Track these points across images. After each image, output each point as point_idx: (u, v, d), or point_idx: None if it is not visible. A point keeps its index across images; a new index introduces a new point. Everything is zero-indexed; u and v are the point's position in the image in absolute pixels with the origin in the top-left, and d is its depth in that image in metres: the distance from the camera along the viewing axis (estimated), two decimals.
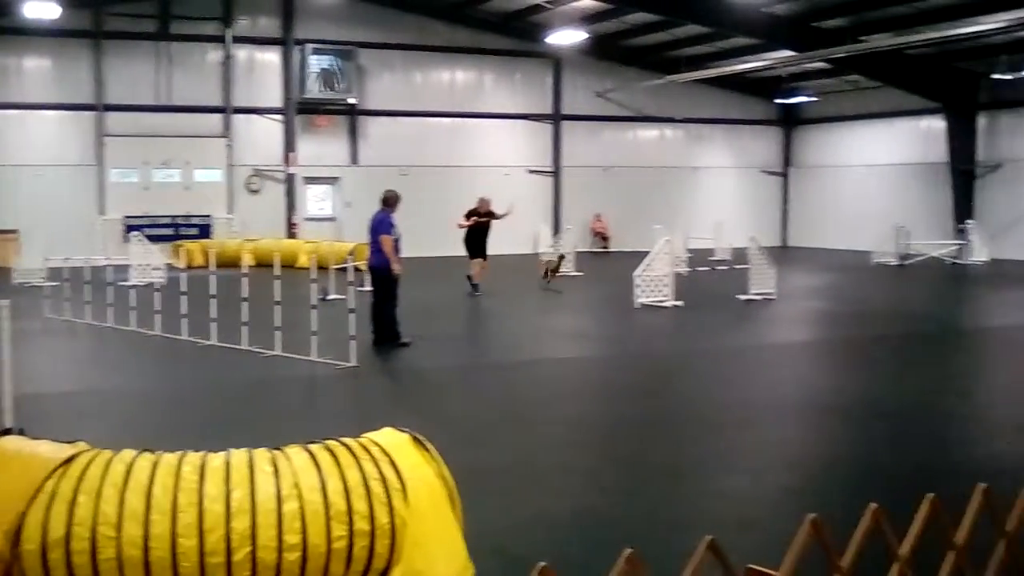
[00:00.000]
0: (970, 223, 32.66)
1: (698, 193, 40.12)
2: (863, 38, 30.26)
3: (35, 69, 31.34)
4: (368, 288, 15.57)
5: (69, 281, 17.88)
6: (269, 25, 33.55)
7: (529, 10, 33.64)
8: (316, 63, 33.30)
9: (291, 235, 33.03)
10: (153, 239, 26.28)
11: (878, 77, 34.26)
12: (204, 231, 32.16)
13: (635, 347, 16.04)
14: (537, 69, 37.31)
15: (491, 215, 22.50)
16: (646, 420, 10.37)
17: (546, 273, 24.47)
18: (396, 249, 14.57)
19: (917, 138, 37.17)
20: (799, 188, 42.24)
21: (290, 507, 4.63)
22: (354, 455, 4.90)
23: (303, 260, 25.56)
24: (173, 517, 4.55)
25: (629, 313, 19.14)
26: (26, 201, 30.15)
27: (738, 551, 4.71)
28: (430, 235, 31.20)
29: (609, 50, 36.69)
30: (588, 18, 32.74)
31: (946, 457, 8.86)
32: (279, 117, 33.66)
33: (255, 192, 33.58)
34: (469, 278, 22.43)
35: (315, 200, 35.13)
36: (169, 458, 4.84)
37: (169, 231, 31.47)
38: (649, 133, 40.16)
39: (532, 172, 37.38)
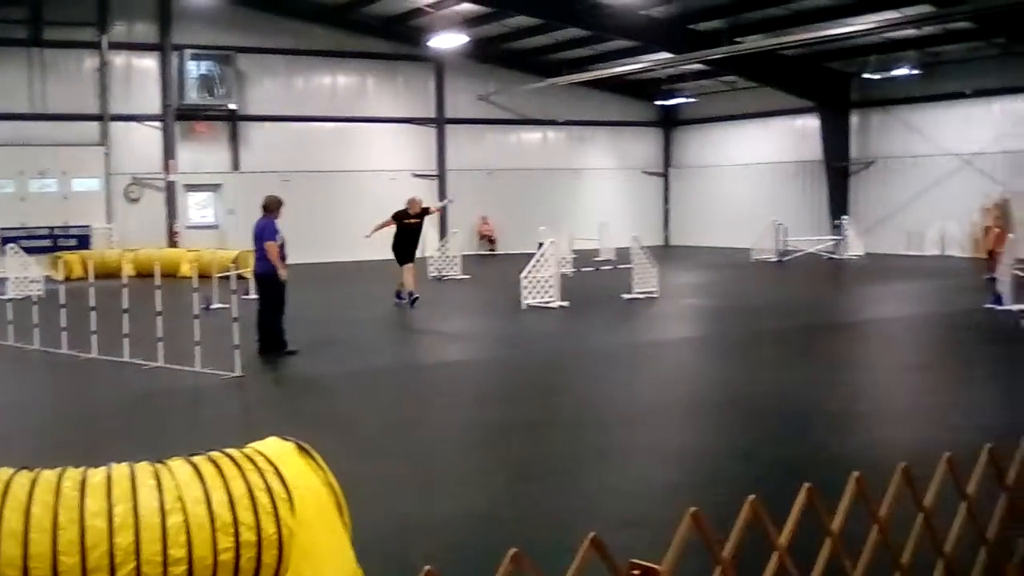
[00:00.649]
0: (845, 219, 33.57)
1: (582, 195, 40.47)
2: (739, 40, 30.87)
3: None
4: (254, 296, 15.39)
5: None
6: (146, 31, 32.88)
7: (410, 14, 33.57)
8: (195, 69, 32.75)
9: (173, 244, 32.45)
10: (30, 251, 25.53)
11: (754, 78, 35.03)
12: (83, 242, 31.38)
13: (522, 348, 16.13)
14: (419, 73, 37.26)
15: (425, 212, 21.76)
16: (534, 421, 10.45)
17: None
18: (282, 255, 14.42)
19: (793, 137, 38.08)
20: (680, 188, 42.94)
21: (174, 520, 4.57)
22: (238, 466, 4.85)
23: (185, 269, 25.17)
24: (54, 535, 4.45)
25: (516, 315, 19.25)
26: None
27: (626, 547, 4.79)
28: (315, 241, 30.97)
29: (491, 53, 36.83)
30: (469, 22, 32.82)
31: (824, 448, 9.09)
32: (158, 124, 33.03)
33: (135, 201, 32.92)
34: (399, 292, 20.96)
35: (196, 208, 34.55)
36: (48, 475, 4.74)
37: (47, 242, 30.60)
38: (532, 136, 40.43)
39: (417, 176, 37.29)
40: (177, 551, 4.54)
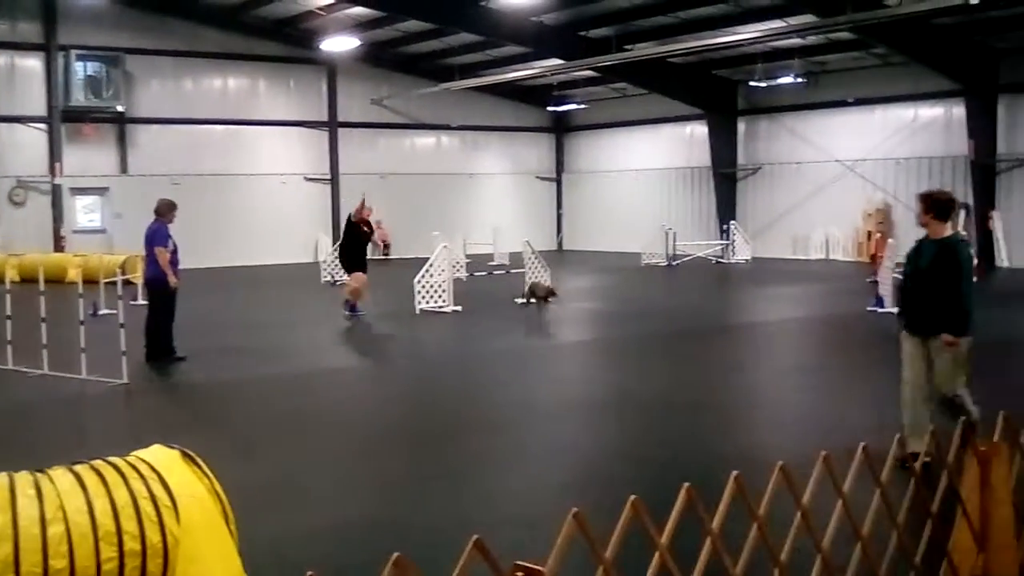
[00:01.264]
0: (733, 224, 34.22)
1: (475, 199, 40.59)
2: (629, 47, 31.30)
3: None
4: (143, 302, 15.12)
5: None
6: (29, 30, 32.11)
7: (302, 16, 33.36)
8: (81, 70, 32.11)
9: (59, 248, 31.71)
10: None
11: (644, 85, 35.54)
12: None
13: (414, 353, 16.14)
14: (312, 76, 37.03)
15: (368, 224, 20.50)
16: (425, 425, 10.48)
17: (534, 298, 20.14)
18: (173, 261, 14.21)
19: (682, 143, 38.71)
20: (572, 193, 43.33)
21: (55, 530, 4.50)
22: (122, 474, 4.79)
23: (72, 274, 24.61)
24: None
25: (410, 320, 19.24)
26: None
27: (514, 549, 4.85)
28: (206, 245, 30.56)
29: (384, 57, 36.79)
30: (362, 25, 32.72)
31: (710, 447, 9.26)
32: (43, 126, 32.31)
33: (19, 204, 32.10)
34: (349, 303, 19.60)
35: (83, 212, 33.83)
36: None
37: None
38: (426, 140, 40.45)
39: (309, 180, 37.08)
40: (58, 562, 4.47)
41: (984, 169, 29.89)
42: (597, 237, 40.70)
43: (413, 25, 32.98)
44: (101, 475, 4.78)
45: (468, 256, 30.39)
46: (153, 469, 4.86)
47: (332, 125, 37.65)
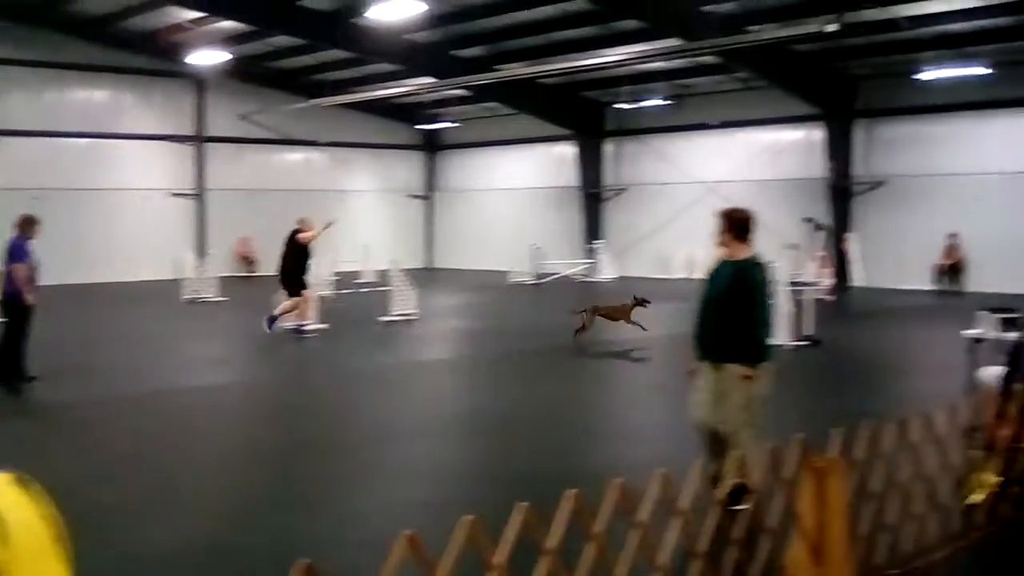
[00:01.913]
0: (598, 243, 34.73)
1: (345, 217, 40.31)
2: (499, 67, 31.56)
3: None
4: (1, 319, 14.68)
5: None
6: None
7: (170, 29, 32.78)
8: None
9: None
10: None
11: (514, 105, 35.86)
12: None
13: (277, 372, 16.02)
14: (178, 90, 36.41)
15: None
16: (285, 445, 10.43)
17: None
18: (32, 278, 13.79)
19: (551, 163, 39.15)
20: (443, 211, 43.44)
21: None
22: None
23: None
24: None
25: (273, 338, 19.05)
26: None
27: (365, 570, 4.90)
28: (68, 261, 29.78)
29: (253, 72, 36.38)
30: (230, 39, 32.32)
31: (567, 464, 9.40)
32: None
33: None
34: (298, 327, 19.04)
35: None
36: None
37: None
38: (295, 156, 40.14)
39: (175, 195, 36.45)
40: None
41: (841, 191, 30.91)
42: (467, 255, 40.86)
43: (283, 40, 32.70)
44: None
45: (336, 273, 30.21)
46: None
47: (199, 140, 37.10)
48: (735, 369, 7.73)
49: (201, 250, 33.37)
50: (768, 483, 5.61)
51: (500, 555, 4.09)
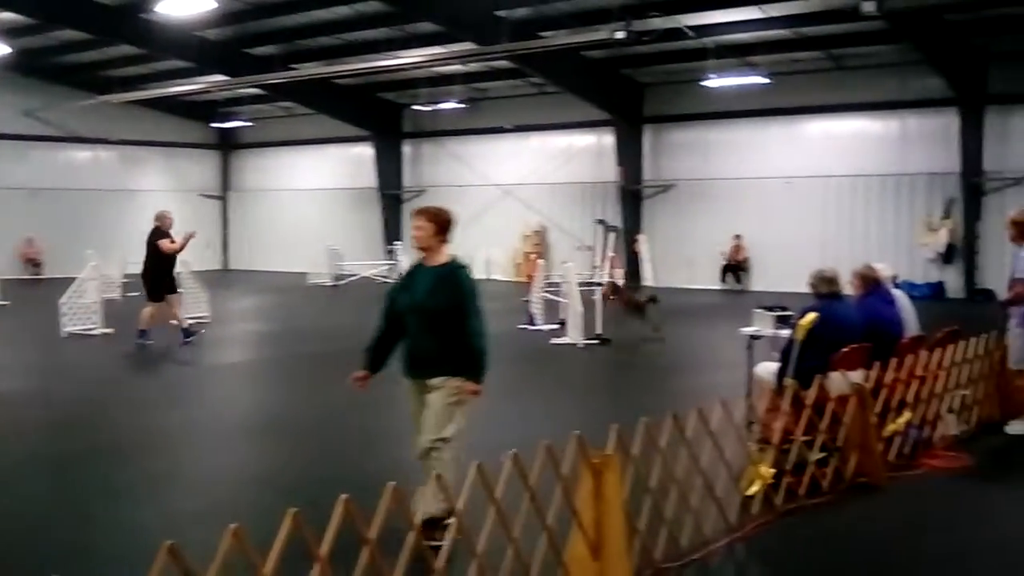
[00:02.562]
0: (397, 244, 34.71)
1: (137, 217, 38.76)
2: (294, 66, 31.19)
3: None
4: None
5: None
6: None
7: None
8: None
9: None
10: None
11: (310, 105, 35.54)
12: None
13: (53, 379, 15.31)
14: None
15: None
16: (61, 453, 10.04)
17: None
18: None
19: (349, 164, 38.93)
20: (239, 212, 42.65)
21: None
22: None
23: None
24: None
25: (55, 343, 18.33)
26: None
27: None
28: None
29: (37, 67, 34.83)
30: (12, 32, 30.83)
31: (353, 467, 9.33)
32: None
33: None
34: (186, 330, 17.71)
35: None
36: None
37: None
38: (83, 155, 38.81)
39: None
40: None
41: (632, 194, 31.73)
42: (265, 256, 40.19)
43: (69, 34, 31.43)
44: None
45: (127, 275, 29.28)
46: None
47: None
48: (450, 384, 6.95)
49: None
50: (546, 480, 5.71)
51: (270, 563, 4.06)
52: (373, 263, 34.51)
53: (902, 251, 26.92)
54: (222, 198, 42.76)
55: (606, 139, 32.33)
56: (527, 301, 20.73)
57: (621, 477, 6.00)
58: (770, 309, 10.49)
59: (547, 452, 5.68)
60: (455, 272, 7.09)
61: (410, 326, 7.16)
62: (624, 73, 30.78)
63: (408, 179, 37.41)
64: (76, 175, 38.20)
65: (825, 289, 9.37)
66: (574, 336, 17.80)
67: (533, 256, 30.82)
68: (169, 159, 40.92)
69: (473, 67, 30.99)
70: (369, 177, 37.44)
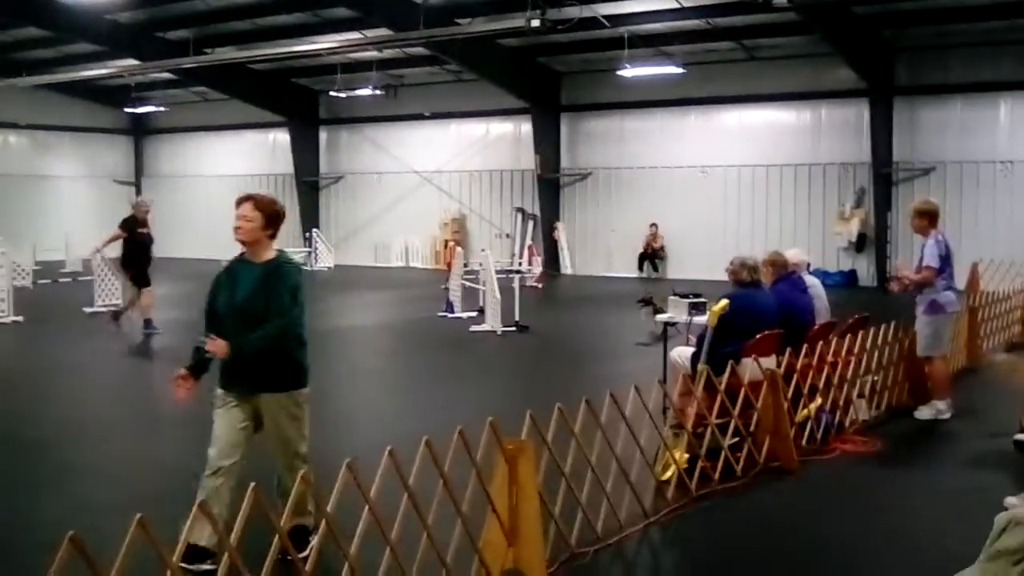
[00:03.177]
0: (316, 231, 34.51)
1: (48, 203, 38.34)
2: (207, 51, 30.76)
3: None
4: None
5: None
6: None
7: None
8: None
9: None
10: None
11: (224, 90, 35.07)
12: None
13: None
14: None
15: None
16: None
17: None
18: None
19: (265, 150, 38.54)
20: (154, 198, 41.90)
21: None
22: None
23: None
24: None
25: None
26: None
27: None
28: None
29: None
30: None
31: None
32: None
33: None
34: (147, 321, 17.48)
35: None
36: None
37: None
38: None
39: None
40: None
41: (549, 182, 31.80)
42: (181, 243, 39.48)
43: None
44: None
45: (38, 263, 28.73)
46: None
47: None
48: (281, 399, 6.33)
49: None
50: (461, 466, 5.70)
51: (177, 553, 4.02)
52: (291, 250, 34.17)
53: (816, 240, 27.36)
54: (136, 184, 42.06)
55: (524, 127, 32.33)
56: (446, 288, 20.72)
57: (536, 463, 6.01)
58: (684, 296, 10.57)
59: (461, 438, 5.67)
60: (287, 270, 6.37)
61: (230, 330, 6.27)
62: (541, 61, 30.81)
63: (325, 166, 37.13)
64: None
65: (746, 276, 9.44)
66: (493, 323, 17.82)
67: (452, 244, 30.77)
68: (81, 144, 40.15)
69: (389, 54, 30.81)
70: (286, 163, 37.07)
